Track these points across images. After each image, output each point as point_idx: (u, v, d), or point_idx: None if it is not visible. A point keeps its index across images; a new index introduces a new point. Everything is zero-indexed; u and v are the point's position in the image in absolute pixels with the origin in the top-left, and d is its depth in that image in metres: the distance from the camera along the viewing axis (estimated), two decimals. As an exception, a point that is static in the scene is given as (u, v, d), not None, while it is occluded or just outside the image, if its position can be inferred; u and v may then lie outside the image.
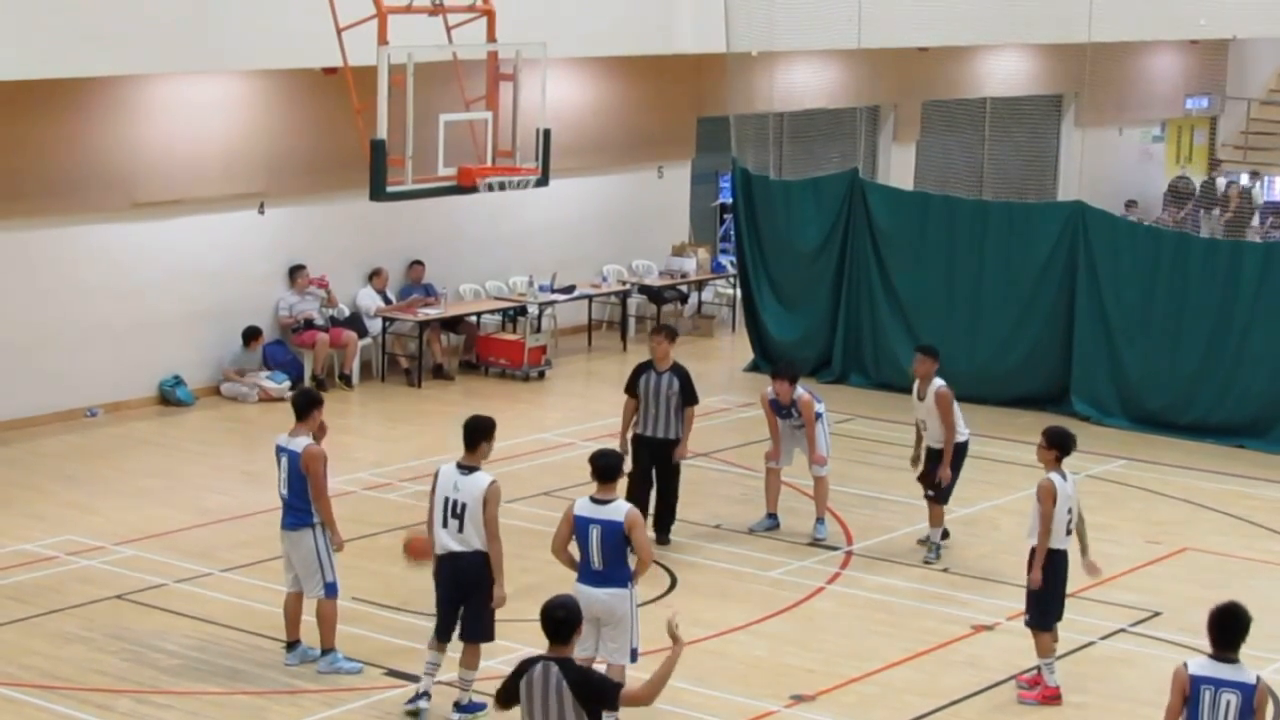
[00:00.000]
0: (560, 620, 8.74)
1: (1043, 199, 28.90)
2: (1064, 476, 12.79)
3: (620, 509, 11.51)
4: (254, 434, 20.27)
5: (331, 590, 12.97)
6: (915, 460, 16.16)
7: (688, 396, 15.70)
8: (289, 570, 13.15)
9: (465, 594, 12.15)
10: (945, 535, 16.17)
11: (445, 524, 12.06)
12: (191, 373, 21.39)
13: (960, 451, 15.84)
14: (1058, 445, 12.83)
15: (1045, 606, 12.79)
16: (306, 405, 13.04)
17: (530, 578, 14.86)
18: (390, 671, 13.08)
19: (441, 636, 12.29)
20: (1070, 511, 12.76)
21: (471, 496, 11.97)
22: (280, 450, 12.98)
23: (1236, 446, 20.25)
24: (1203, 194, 33.28)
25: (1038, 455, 12.96)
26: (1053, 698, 12.81)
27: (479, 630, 12.26)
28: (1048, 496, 12.64)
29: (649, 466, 15.82)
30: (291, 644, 13.20)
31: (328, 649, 13.07)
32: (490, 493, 11.96)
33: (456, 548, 12.03)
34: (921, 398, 15.78)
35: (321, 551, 12.90)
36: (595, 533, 11.48)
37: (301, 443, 12.85)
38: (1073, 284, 21.30)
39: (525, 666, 8.81)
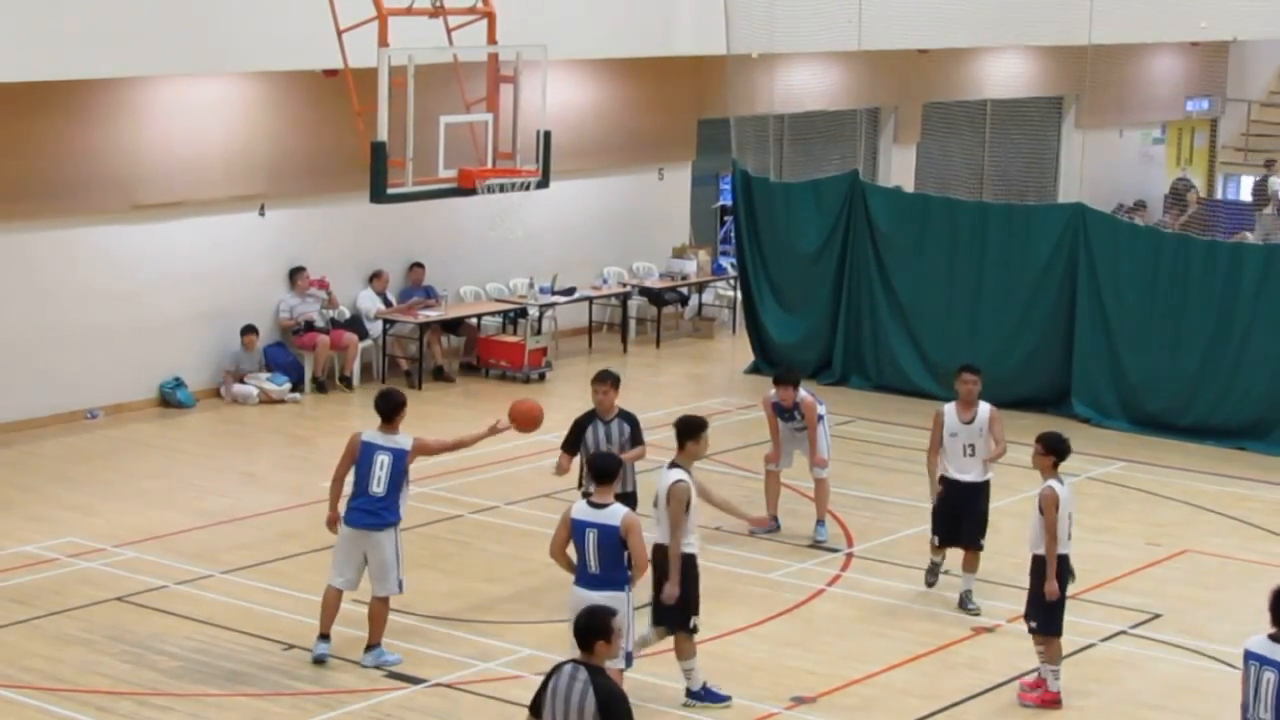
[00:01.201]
0: (580, 628, 8.67)
1: (1043, 201, 28.90)
2: (1061, 481, 12.79)
3: (616, 513, 11.53)
4: (254, 436, 20.28)
5: (401, 586, 13.15)
6: (936, 500, 14.96)
7: (637, 442, 14.45)
8: (347, 570, 13.15)
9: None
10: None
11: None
12: (192, 375, 21.39)
13: (987, 491, 15.03)
14: (1055, 451, 12.80)
15: (1055, 612, 12.77)
16: (395, 409, 13.24)
17: (531, 579, 14.89)
18: (391, 673, 13.08)
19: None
20: (1070, 516, 12.75)
21: (662, 488, 12.36)
22: (376, 449, 13.07)
23: (1237, 448, 20.25)
24: (1256, 196, 33.09)
25: (1034, 462, 12.94)
26: (1052, 702, 12.80)
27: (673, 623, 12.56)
28: (1051, 505, 12.61)
29: None
30: (325, 635, 13.22)
31: (376, 644, 13.19)
32: (673, 491, 12.28)
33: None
34: (968, 420, 14.74)
35: (400, 550, 13.12)
36: (592, 536, 11.50)
37: (406, 440, 13.09)
38: (1073, 286, 21.31)
39: (556, 669, 8.72)
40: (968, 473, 14.77)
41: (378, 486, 12.98)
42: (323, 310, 22.33)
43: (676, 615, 12.38)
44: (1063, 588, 12.78)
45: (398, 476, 13.01)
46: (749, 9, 23.83)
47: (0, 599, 14.50)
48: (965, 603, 14.74)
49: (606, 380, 14.51)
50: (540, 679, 12.42)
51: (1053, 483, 12.71)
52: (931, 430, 14.97)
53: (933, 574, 15.20)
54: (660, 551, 12.36)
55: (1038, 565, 12.77)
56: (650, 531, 12.26)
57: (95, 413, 20.54)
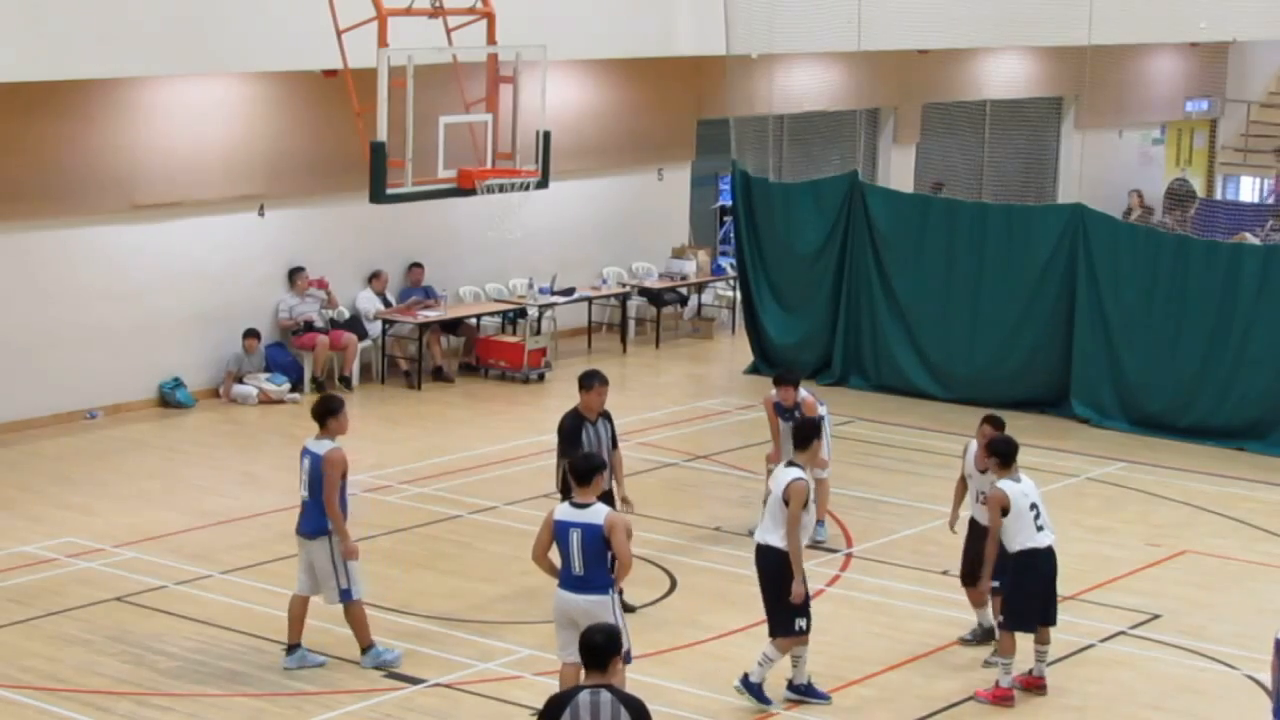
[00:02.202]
0: (597, 647, 8.44)
1: (1042, 201, 28.90)
2: (1016, 479, 12.82)
3: (600, 512, 11.47)
4: (254, 436, 20.28)
5: (347, 596, 13.01)
6: (954, 523, 14.29)
7: (616, 442, 14.38)
8: (302, 573, 13.16)
9: (764, 587, 12.65)
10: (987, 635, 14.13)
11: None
12: (191, 375, 21.39)
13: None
14: (996, 454, 12.94)
15: (1014, 607, 12.79)
16: (321, 415, 13.13)
17: (530, 580, 14.86)
18: (390, 674, 13.08)
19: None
20: (1034, 508, 12.72)
21: (779, 486, 12.45)
22: (304, 452, 13.06)
23: (1236, 449, 20.25)
24: None
25: (987, 465, 13.10)
26: (1003, 698, 12.79)
27: (774, 625, 12.67)
28: (994, 505, 12.75)
29: None
30: (292, 647, 13.18)
31: (369, 646, 13.14)
32: (792, 489, 12.32)
33: (759, 540, 12.56)
34: (982, 470, 13.59)
35: (336, 558, 12.94)
36: (576, 536, 11.44)
37: (324, 446, 12.94)
38: (1072, 286, 21.31)
39: (567, 697, 8.35)
40: (983, 517, 13.62)
41: (304, 490, 13.00)
42: (322, 310, 22.33)
43: (785, 617, 12.52)
44: (1044, 582, 12.77)
45: (315, 481, 12.88)
46: (748, 10, 23.84)
47: (0, 599, 14.50)
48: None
49: (602, 381, 14.30)
50: (537, 678, 12.49)
51: (1000, 483, 12.78)
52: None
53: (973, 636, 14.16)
54: (772, 554, 12.46)
55: (1015, 561, 12.81)
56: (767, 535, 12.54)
57: (95, 413, 20.54)
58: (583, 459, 11.87)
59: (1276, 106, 36.19)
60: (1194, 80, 35.16)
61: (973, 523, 13.94)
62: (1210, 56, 34.73)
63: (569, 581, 11.54)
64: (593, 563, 11.45)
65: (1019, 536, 12.72)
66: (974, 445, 13.78)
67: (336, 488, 12.88)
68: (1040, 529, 12.76)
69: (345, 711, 12.45)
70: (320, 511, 12.90)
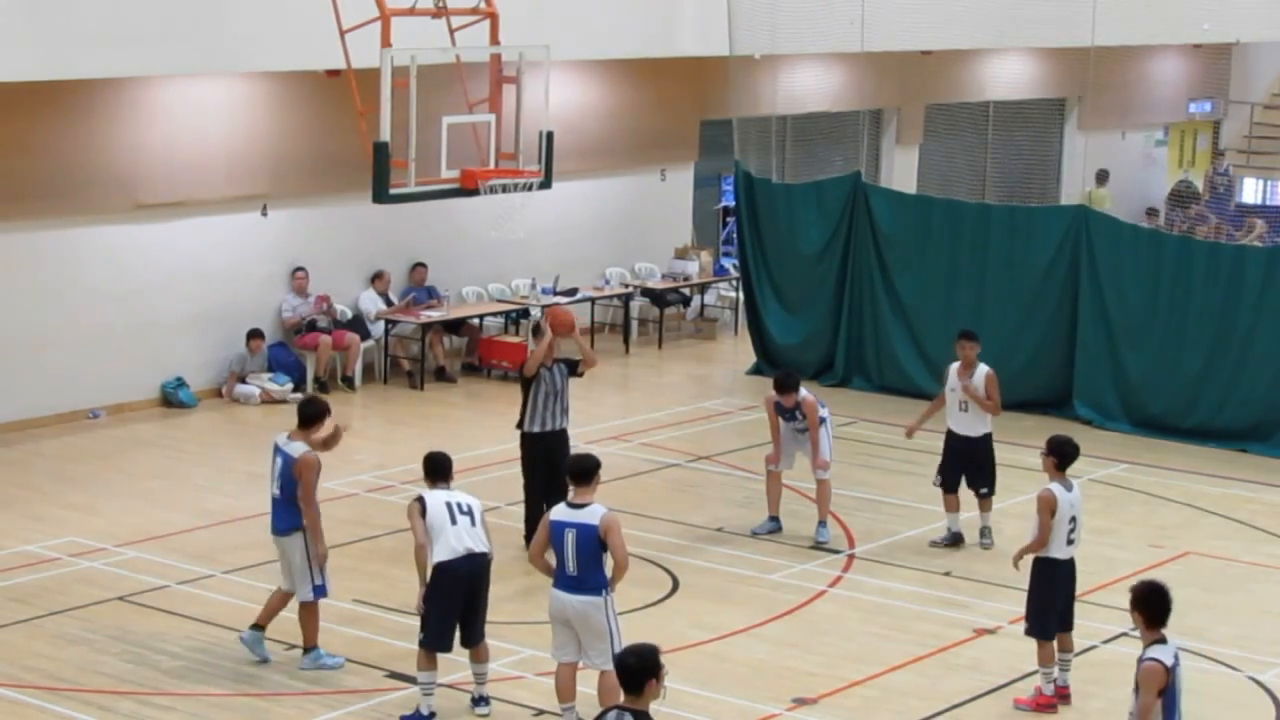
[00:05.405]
0: (632, 669, 8.34)
1: (1045, 203, 28.90)
2: (1068, 486, 12.77)
3: (596, 512, 11.45)
4: (256, 436, 20.26)
5: (320, 592, 13.02)
6: (913, 432, 16.98)
7: (573, 370, 15.77)
8: (283, 571, 13.17)
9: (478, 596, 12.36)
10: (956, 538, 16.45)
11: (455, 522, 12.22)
12: (194, 374, 21.40)
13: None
14: (1055, 453, 12.84)
15: (1040, 614, 12.78)
16: (308, 418, 13.06)
17: (531, 579, 14.86)
18: (392, 674, 13.09)
19: (446, 648, 12.35)
20: (1073, 520, 12.73)
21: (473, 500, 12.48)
22: (276, 451, 13.02)
23: (1239, 450, 20.24)
24: None
25: (1042, 462, 12.99)
26: (1046, 706, 12.78)
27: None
28: (1045, 506, 12.65)
29: (548, 466, 15.25)
30: (256, 625, 13.19)
31: (311, 646, 13.11)
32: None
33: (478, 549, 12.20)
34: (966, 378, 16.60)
35: (313, 557, 12.92)
36: (570, 536, 11.42)
37: (298, 449, 12.89)
38: (1075, 288, 21.30)
39: None
40: (961, 428, 16.61)
41: (274, 488, 12.99)
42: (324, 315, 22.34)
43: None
44: (1062, 592, 12.78)
45: (288, 481, 12.85)
46: (752, 10, 23.85)
47: (2, 598, 14.52)
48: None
49: (537, 331, 16.06)
50: (538, 678, 12.49)
51: (1053, 484, 12.72)
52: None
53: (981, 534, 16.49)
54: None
55: (1034, 568, 12.80)
56: None
57: (97, 412, 20.55)
58: (578, 460, 11.79)
59: (1279, 108, 36.20)
60: (1197, 81, 35.16)
61: (950, 434, 16.35)
62: (1213, 58, 34.72)
63: (563, 581, 11.52)
64: (587, 563, 11.42)
65: (1050, 543, 12.70)
66: (954, 366, 16.43)
67: (314, 489, 12.88)
68: (1070, 542, 12.74)
69: (348, 711, 12.45)
70: (293, 508, 12.85)
